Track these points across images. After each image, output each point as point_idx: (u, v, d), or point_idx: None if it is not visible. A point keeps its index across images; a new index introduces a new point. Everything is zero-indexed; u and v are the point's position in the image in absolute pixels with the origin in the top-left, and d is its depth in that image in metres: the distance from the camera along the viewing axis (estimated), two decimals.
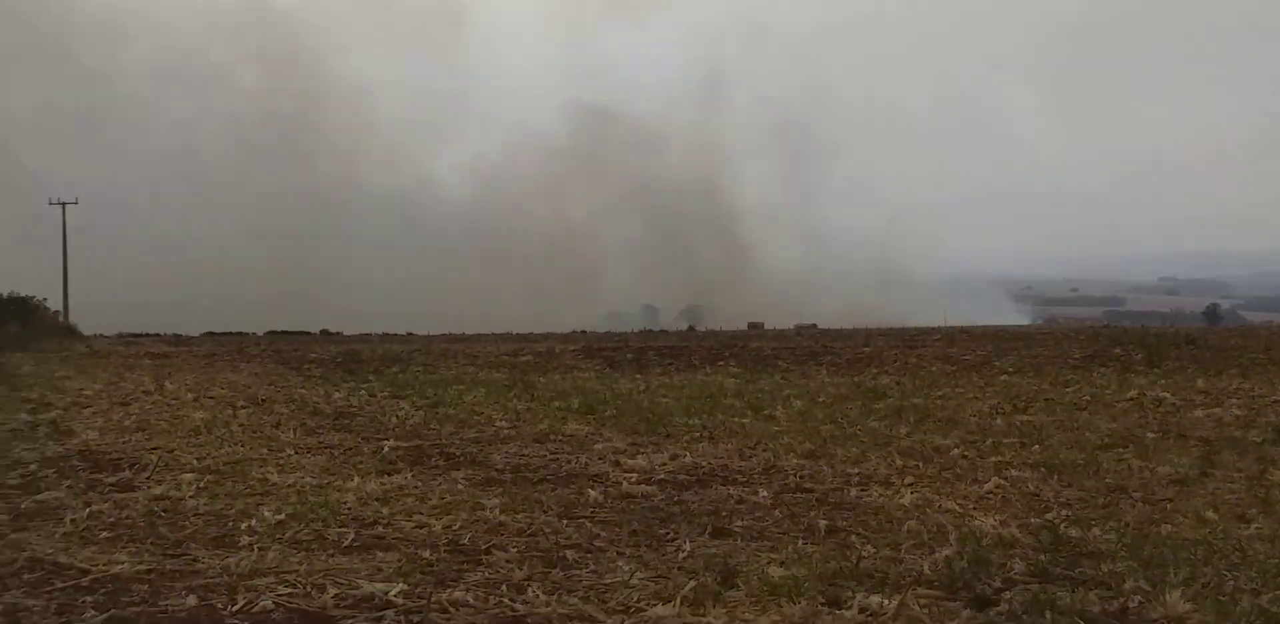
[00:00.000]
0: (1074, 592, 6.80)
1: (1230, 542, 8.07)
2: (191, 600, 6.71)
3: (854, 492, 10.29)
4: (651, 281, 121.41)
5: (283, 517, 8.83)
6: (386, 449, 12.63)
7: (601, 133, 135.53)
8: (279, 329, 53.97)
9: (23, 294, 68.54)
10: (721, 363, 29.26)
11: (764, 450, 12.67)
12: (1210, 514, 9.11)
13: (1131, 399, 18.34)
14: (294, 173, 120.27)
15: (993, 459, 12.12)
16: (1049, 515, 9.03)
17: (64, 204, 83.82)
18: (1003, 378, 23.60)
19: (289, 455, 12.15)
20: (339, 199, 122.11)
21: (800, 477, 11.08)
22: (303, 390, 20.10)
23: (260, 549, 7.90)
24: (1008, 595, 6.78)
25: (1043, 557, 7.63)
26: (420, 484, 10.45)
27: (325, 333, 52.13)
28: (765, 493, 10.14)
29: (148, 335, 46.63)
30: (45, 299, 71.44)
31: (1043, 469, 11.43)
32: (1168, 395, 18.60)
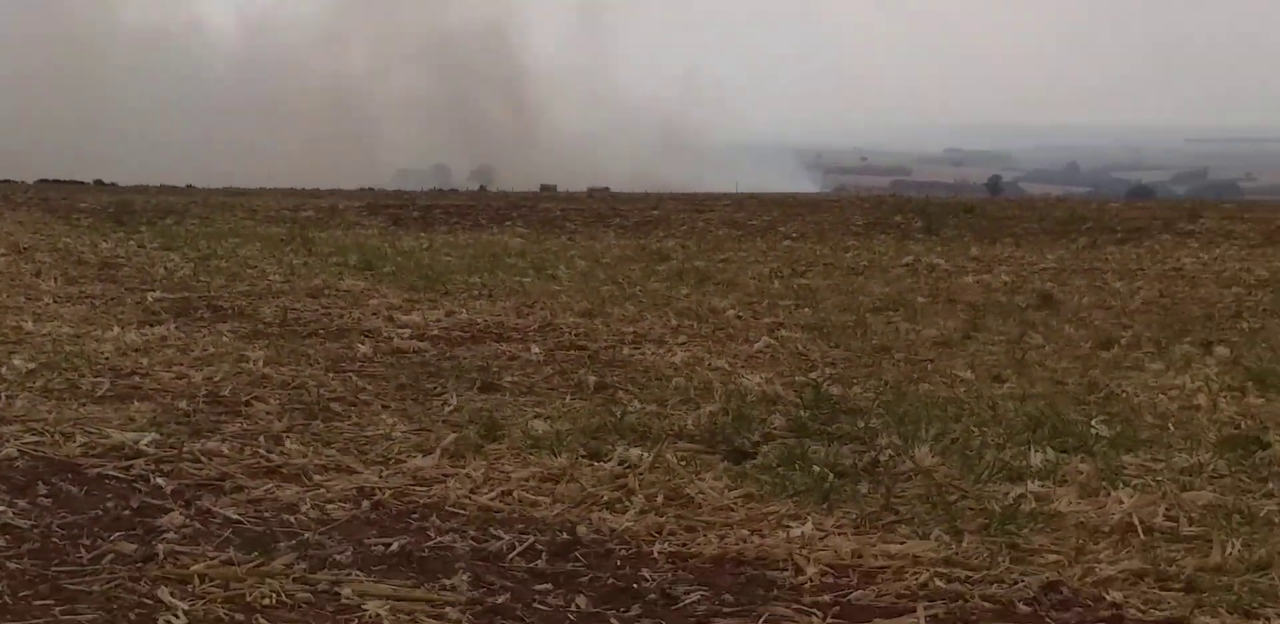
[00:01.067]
0: (829, 446, 6.95)
1: (982, 401, 8.33)
2: None
3: (627, 350, 10.36)
4: (443, 139, 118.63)
5: (34, 365, 8.53)
6: (151, 300, 12.25)
7: None
8: (50, 178, 51.73)
9: None
10: (509, 223, 29.00)
11: (542, 309, 12.63)
12: (967, 374, 9.39)
13: (906, 265, 18.72)
14: (50, 9, 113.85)
15: (766, 320, 12.29)
16: (813, 374, 9.19)
17: None
18: (786, 243, 23.89)
19: (47, 304, 11.71)
20: (99, 39, 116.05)
21: (575, 335, 11.10)
22: (68, 240, 19.34)
23: (8, 397, 7.62)
24: (765, 449, 6.90)
25: (803, 413, 7.76)
26: (183, 336, 10.17)
27: (99, 183, 50.11)
28: (538, 350, 10.14)
29: None
30: None
31: (813, 330, 11.63)
32: (941, 262, 19.04)
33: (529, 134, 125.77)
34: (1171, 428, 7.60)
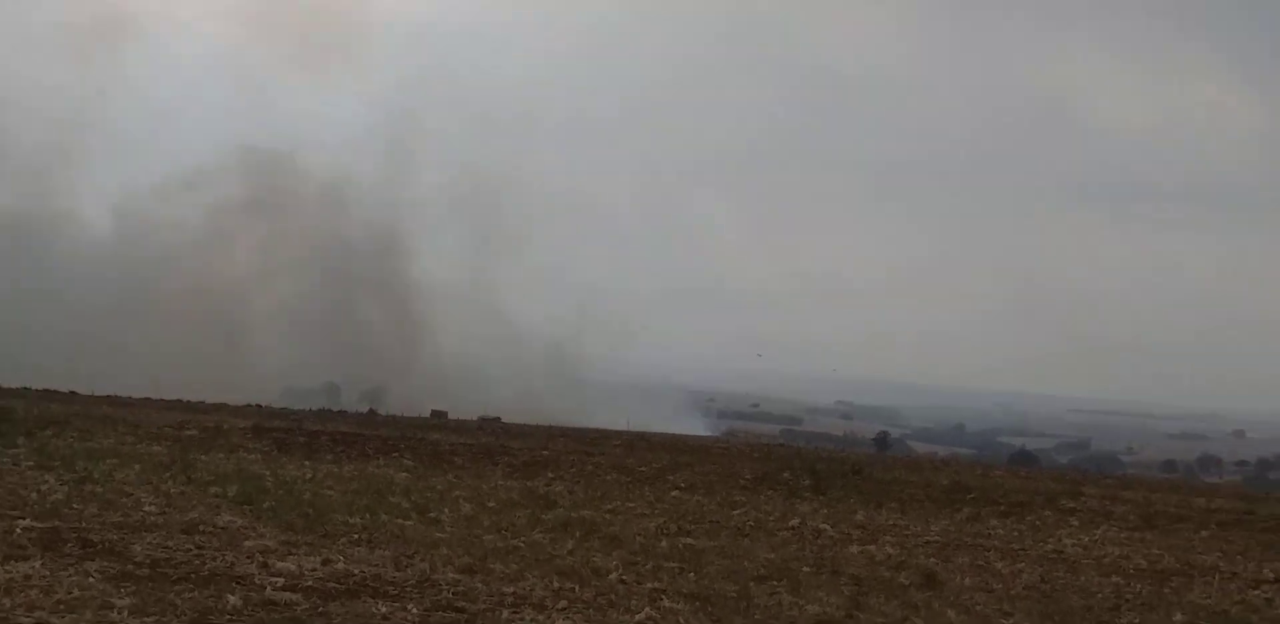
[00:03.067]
0: None
1: None
2: None
3: (506, 614, 10.10)
4: (332, 355, 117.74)
5: None
6: (19, 530, 11.81)
7: (275, 185, 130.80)
8: None
9: None
10: (397, 454, 28.67)
11: (421, 561, 12.34)
12: None
13: (793, 528, 18.68)
14: None
15: (649, 585, 12.09)
16: None
17: None
18: (674, 494, 23.79)
19: None
20: None
21: (454, 593, 10.83)
22: None
23: None
24: None
25: None
26: (49, 574, 9.79)
27: None
28: (415, 609, 9.86)
29: None
30: None
31: (696, 600, 11.45)
32: (827, 527, 19.02)
33: (418, 354, 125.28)
34: None
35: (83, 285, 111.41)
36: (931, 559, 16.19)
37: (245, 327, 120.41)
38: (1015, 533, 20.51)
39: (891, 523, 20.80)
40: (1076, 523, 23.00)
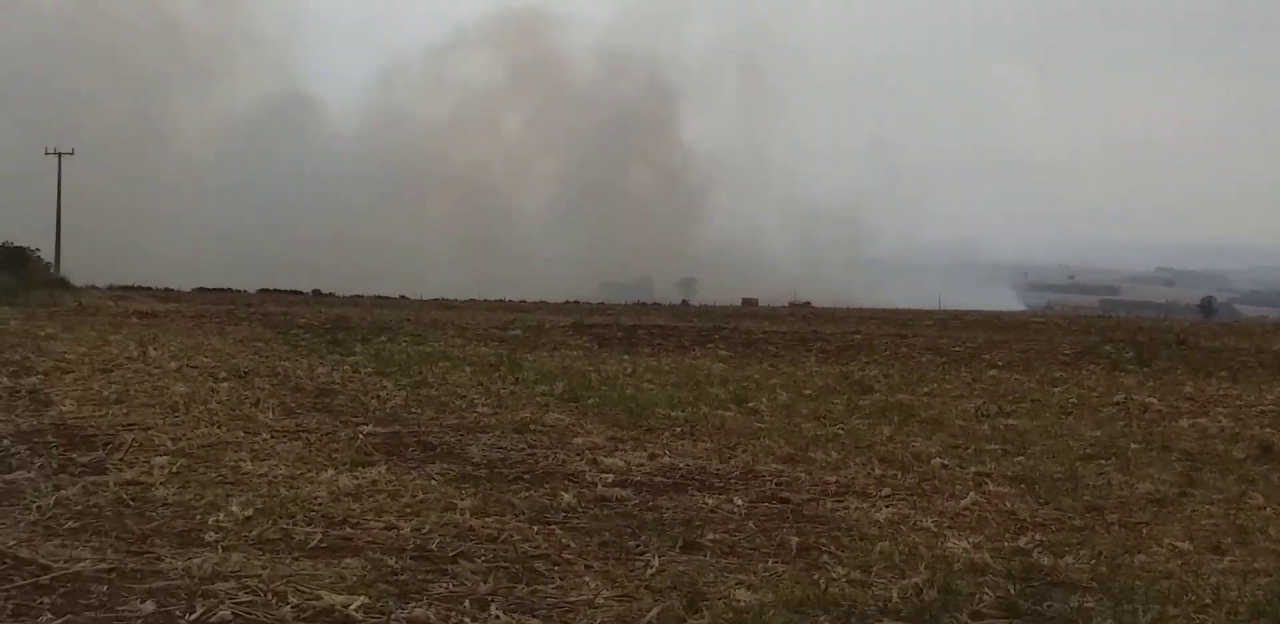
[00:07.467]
0: None
1: (1203, 578, 8.00)
2: (149, 606, 6.62)
3: (830, 503, 10.19)
4: (645, 250, 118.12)
5: (250, 512, 8.73)
6: (364, 436, 12.50)
7: (537, 55, 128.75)
8: (270, 287, 53.86)
9: (17, 244, 67.77)
10: (711, 345, 29.19)
11: (743, 452, 12.56)
12: (1185, 544, 9.03)
13: (1118, 404, 18.25)
14: (152, 94, 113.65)
15: (973, 469, 12.01)
16: (1023, 540, 8.93)
17: (60, 154, 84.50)
18: (991, 373, 23.53)
19: (265, 440, 12.03)
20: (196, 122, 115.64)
21: (777, 484, 10.98)
22: (286, 363, 19.96)
23: (225, 548, 7.81)
24: None
25: (1012, 588, 7.55)
26: (394, 478, 10.34)
27: (317, 293, 52.06)
28: (740, 501, 10.04)
29: (139, 289, 46.61)
30: (38, 250, 70.68)
31: (1022, 483, 11.33)
32: (1154, 401, 18.52)
33: (706, 237, 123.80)
34: None
35: (339, 181, 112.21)
36: (1268, 429, 15.63)
37: (520, 221, 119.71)
38: None
39: (1222, 393, 20.12)
40: None
